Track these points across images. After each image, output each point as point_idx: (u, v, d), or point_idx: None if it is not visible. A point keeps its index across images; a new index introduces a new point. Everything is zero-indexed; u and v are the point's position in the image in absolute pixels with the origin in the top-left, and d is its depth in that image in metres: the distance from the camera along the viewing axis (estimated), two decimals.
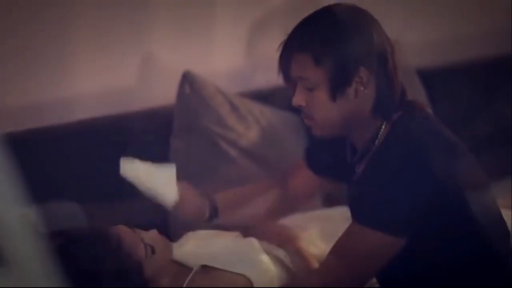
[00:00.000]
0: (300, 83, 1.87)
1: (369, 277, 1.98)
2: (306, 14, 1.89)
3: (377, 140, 1.90)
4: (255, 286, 2.09)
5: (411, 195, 1.80)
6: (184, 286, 2.05)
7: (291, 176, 2.28)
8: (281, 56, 1.90)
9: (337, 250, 1.92)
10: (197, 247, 2.24)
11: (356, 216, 1.88)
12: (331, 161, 2.12)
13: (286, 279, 2.16)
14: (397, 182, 1.80)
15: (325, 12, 1.87)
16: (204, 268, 2.09)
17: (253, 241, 2.21)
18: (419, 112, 1.92)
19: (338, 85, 1.83)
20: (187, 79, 2.69)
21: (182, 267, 2.12)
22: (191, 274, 2.07)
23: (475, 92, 3.35)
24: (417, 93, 2.60)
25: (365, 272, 1.91)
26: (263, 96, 2.88)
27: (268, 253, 2.18)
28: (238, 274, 2.09)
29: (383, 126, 1.90)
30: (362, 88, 1.85)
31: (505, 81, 3.44)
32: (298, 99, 1.89)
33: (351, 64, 1.82)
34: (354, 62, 1.82)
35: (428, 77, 3.23)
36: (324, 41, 1.82)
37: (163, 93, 2.80)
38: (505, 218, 1.99)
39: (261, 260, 2.15)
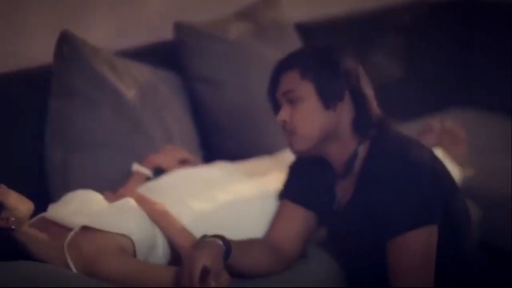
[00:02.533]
0: (287, 97, 2.12)
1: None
2: None
3: (357, 159, 2.10)
4: (136, 247, 2.11)
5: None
6: (65, 246, 2.04)
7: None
8: (271, 78, 2.18)
9: (401, 273, 1.98)
10: (77, 207, 2.23)
11: (387, 232, 2.00)
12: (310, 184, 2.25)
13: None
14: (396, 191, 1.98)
15: (309, 46, 2.26)
16: (84, 228, 2.09)
17: (131, 201, 2.22)
18: (390, 128, 2.13)
19: (326, 95, 2.09)
20: (65, 39, 2.65)
21: (62, 228, 2.11)
22: (70, 235, 2.06)
23: (352, 45, 3.40)
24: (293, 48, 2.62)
25: (429, 273, 1.99)
26: (141, 55, 2.87)
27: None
28: (119, 234, 2.10)
29: (361, 145, 2.10)
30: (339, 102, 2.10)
31: (380, 33, 3.52)
32: (283, 114, 2.13)
33: (333, 79, 2.11)
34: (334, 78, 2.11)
35: (305, 31, 3.27)
36: (309, 59, 2.13)
37: (40, 53, 2.76)
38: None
39: (141, 220, 2.17)
